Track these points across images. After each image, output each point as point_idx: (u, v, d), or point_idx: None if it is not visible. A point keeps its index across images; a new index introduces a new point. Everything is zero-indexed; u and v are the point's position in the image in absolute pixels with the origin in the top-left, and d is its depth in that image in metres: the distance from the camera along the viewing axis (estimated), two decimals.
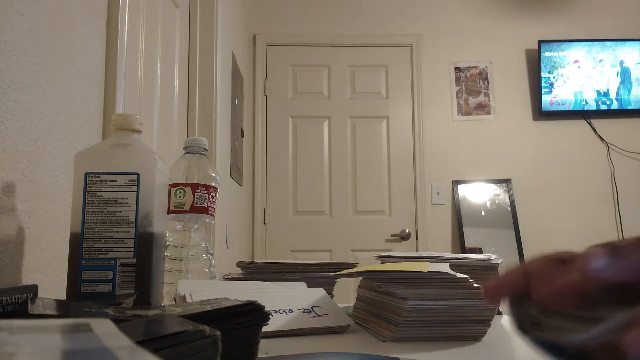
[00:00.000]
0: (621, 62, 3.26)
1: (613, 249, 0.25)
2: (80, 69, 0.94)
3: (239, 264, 0.93)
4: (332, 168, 3.24)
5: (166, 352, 0.29)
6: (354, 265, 0.90)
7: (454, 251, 3.15)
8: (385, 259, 0.80)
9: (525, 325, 0.27)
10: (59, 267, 0.85)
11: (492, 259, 0.84)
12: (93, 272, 0.62)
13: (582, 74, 3.27)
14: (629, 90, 3.25)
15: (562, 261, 0.28)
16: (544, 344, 0.26)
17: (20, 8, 0.75)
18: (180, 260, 0.81)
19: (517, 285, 0.29)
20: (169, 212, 0.80)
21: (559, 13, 3.38)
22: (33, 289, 0.49)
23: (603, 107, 3.25)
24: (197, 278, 0.81)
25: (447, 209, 3.21)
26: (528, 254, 3.10)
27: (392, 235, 3.17)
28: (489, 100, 3.32)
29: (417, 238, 3.17)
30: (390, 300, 0.63)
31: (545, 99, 3.25)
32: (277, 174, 3.22)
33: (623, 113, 3.26)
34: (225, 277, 0.89)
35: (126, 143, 0.67)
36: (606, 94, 3.26)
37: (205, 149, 0.86)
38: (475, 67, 3.35)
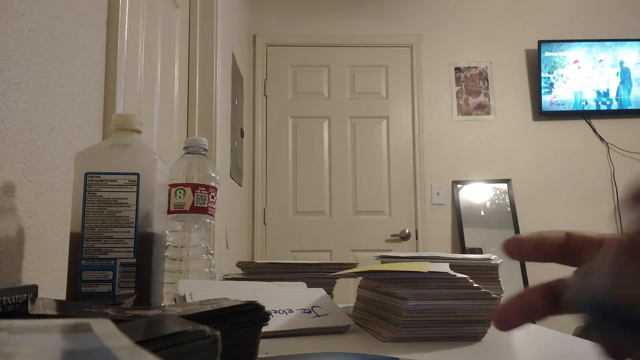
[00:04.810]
0: (621, 62, 3.26)
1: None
2: (80, 69, 0.94)
3: (239, 264, 0.93)
4: (332, 168, 3.24)
5: (166, 352, 0.29)
6: (354, 265, 0.90)
7: (454, 251, 3.15)
8: (385, 259, 0.80)
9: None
10: (59, 267, 0.85)
11: (492, 259, 0.84)
12: (93, 272, 0.62)
13: (582, 74, 3.27)
14: (629, 91, 3.25)
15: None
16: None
17: (20, 8, 0.75)
18: (180, 260, 0.81)
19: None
20: (169, 212, 0.80)
21: (559, 13, 3.38)
22: (33, 289, 0.49)
23: (603, 107, 3.25)
24: (197, 278, 0.81)
25: (447, 209, 3.21)
26: None
27: (392, 236, 3.17)
28: (489, 101, 3.32)
29: (417, 238, 3.17)
30: (390, 300, 0.63)
31: (545, 99, 3.25)
32: (277, 174, 3.22)
33: (623, 113, 3.26)
34: (225, 277, 0.89)
35: (126, 143, 0.67)
36: (606, 94, 3.26)
37: (205, 149, 0.86)
38: (475, 67, 3.35)
